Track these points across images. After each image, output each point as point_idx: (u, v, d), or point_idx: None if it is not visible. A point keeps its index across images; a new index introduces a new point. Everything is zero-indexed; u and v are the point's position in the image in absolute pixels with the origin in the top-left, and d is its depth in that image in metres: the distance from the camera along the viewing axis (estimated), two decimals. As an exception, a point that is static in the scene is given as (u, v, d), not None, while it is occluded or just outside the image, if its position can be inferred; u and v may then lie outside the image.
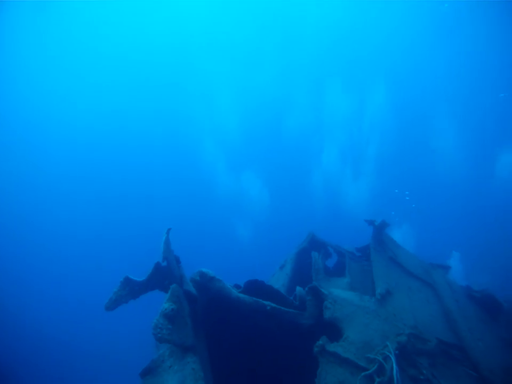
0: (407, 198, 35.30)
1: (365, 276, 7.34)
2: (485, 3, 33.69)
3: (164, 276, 4.42)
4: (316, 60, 44.46)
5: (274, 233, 39.61)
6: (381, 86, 35.48)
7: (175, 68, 48.83)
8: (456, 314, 5.53)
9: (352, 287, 6.09)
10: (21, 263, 41.14)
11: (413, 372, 4.06)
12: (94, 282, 37.53)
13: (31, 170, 47.58)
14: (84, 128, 50.18)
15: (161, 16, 46.53)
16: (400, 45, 42.76)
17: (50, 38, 44.75)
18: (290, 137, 42.66)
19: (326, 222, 38.06)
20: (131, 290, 4.32)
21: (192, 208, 47.42)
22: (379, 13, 40.97)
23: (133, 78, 49.52)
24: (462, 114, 36.39)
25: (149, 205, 48.58)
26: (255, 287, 5.16)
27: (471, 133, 35.49)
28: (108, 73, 49.37)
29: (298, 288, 5.26)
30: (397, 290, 5.64)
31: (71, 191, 48.40)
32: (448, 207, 38.99)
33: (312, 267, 6.82)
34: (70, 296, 38.96)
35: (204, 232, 44.48)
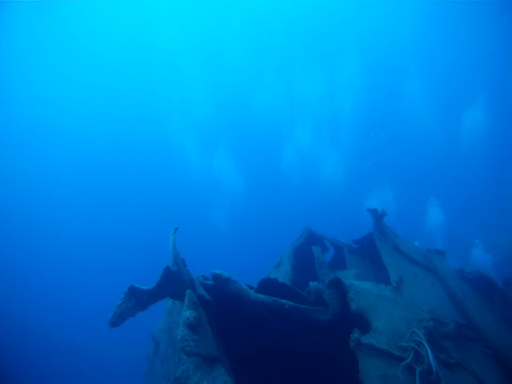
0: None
1: (365, 266, 7.33)
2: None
3: (174, 281, 3.96)
4: (284, 38, 43.62)
5: (251, 217, 39.06)
6: (351, 59, 35.69)
7: (146, 52, 46.20)
8: (462, 296, 5.64)
9: (358, 279, 6.00)
10: (20, 264, 39.68)
11: (443, 357, 3.98)
12: (92, 283, 37.52)
13: (31, 171, 45.78)
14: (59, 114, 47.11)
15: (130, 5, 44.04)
16: (367, 17, 40.90)
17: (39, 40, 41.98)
18: (261, 117, 42.06)
19: (303, 202, 38.63)
20: (138, 301, 3.81)
21: (163, 192, 45.81)
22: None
23: (101, 58, 46.59)
24: (429, 78, 36.88)
25: (117, 192, 46.59)
26: (268, 286, 4.86)
27: (439, 95, 36.31)
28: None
29: (311, 283, 5.03)
30: (406, 278, 5.62)
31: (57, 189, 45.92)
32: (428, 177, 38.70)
33: (315, 262, 6.66)
34: (69, 296, 37.44)
35: (177, 219, 43.05)
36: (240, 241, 38.08)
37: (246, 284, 4.80)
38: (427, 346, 3.76)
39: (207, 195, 38.07)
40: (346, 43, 38.17)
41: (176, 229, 4.17)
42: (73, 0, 39.85)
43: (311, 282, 5.07)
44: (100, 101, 47.91)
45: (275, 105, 40.69)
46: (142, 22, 43.76)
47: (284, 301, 4.51)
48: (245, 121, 46.03)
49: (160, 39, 44.09)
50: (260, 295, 4.33)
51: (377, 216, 6.68)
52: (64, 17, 41.09)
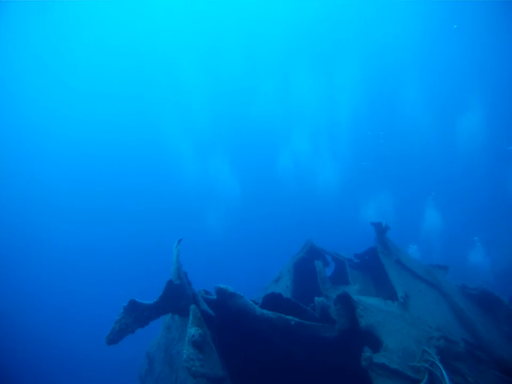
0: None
1: (367, 282, 7.19)
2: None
3: (177, 295, 3.77)
4: (282, 43, 42.87)
5: (247, 225, 38.29)
6: (349, 65, 35.55)
7: (143, 55, 45.40)
8: (469, 313, 5.52)
9: (361, 294, 5.85)
10: (20, 268, 39.33)
11: (458, 380, 3.82)
12: (84, 287, 37.07)
13: (31, 175, 44.98)
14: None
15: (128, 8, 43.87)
16: (365, 23, 40.56)
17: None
18: (258, 122, 41.71)
19: (300, 209, 38.10)
20: (138, 316, 3.61)
21: (156, 197, 44.94)
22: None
23: (95, 58, 45.71)
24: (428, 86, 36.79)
25: (109, 196, 45.70)
26: (273, 302, 4.67)
27: (436, 98, 36.40)
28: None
29: (317, 299, 4.86)
30: (411, 293, 5.50)
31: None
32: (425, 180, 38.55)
33: (317, 276, 6.49)
34: (67, 299, 36.89)
35: (171, 225, 41.78)
36: (236, 249, 37.35)
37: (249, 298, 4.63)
38: (442, 368, 3.61)
39: (202, 201, 37.53)
40: (344, 49, 38.18)
41: (180, 241, 4.01)
42: (69, 1, 39.79)
43: (316, 298, 4.90)
44: (94, 101, 47.10)
45: (272, 110, 40.45)
46: (139, 24, 43.29)
47: (289, 317, 4.34)
48: (242, 126, 45.54)
49: (158, 42, 43.65)
50: (265, 311, 4.16)
51: (381, 230, 6.60)
52: (61, 17, 40.83)
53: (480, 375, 4.36)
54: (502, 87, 35.17)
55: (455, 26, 34.98)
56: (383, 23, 39.25)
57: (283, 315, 4.28)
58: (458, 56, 38.26)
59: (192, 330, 3.14)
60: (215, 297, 4.56)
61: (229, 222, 36.39)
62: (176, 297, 3.74)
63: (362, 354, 3.58)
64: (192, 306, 3.55)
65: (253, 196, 40.32)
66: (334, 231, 32.18)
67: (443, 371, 3.56)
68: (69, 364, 28.72)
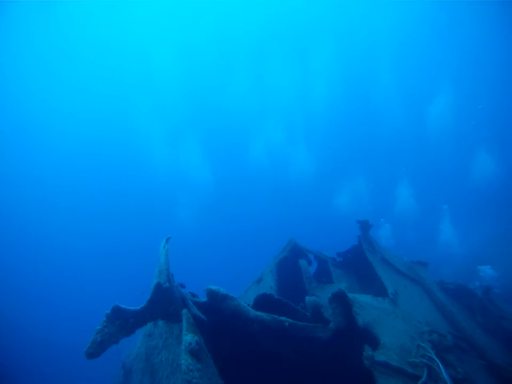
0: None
1: (351, 280, 7.21)
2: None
3: (166, 300, 3.43)
4: (256, 28, 42.29)
5: (220, 214, 37.13)
6: (324, 51, 35.39)
7: (113, 35, 43.01)
8: (451, 307, 5.67)
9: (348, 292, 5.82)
10: (20, 267, 36.95)
11: (450, 372, 3.85)
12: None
13: (30, 173, 42.40)
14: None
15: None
16: (340, 8, 40.38)
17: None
18: (231, 109, 40.69)
19: (273, 197, 37.49)
20: (123, 324, 3.23)
21: (124, 183, 42.74)
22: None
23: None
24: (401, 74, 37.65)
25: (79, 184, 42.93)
26: (265, 303, 4.46)
27: (408, 85, 37.19)
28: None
29: (308, 298, 4.72)
30: (398, 290, 5.55)
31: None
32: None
33: (303, 276, 6.38)
34: (66, 298, 34.73)
35: (139, 214, 40.12)
36: (208, 240, 36.17)
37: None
38: (439, 362, 3.60)
39: (172, 189, 36.07)
40: (318, 37, 38.00)
41: (168, 239, 3.67)
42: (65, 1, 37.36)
43: (307, 297, 4.76)
44: (61, 82, 44.25)
45: (246, 98, 39.68)
46: (112, 9, 41.13)
47: (283, 318, 4.15)
48: (215, 114, 44.18)
49: (131, 24, 41.83)
50: (259, 313, 3.94)
51: (366, 228, 6.63)
52: (58, 17, 38.53)
53: (466, 365, 4.47)
54: (470, 74, 36.80)
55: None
56: (356, 10, 39.38)
57: (276, 316, 4.09)
58: (430, 42, 39.19)
59: (189, 338, 2.84)
60: (202, 299, 4.27)
61: (201, 211, 35.16)
62: (165, 302, 3.40)
63: (364, 353, 3.47)
64: (184, 311, 3.25)
65: (225, 184, 39.30)
66: (308, 220, 32.38)
67: (440, 365, 3.56)
68: (69, 363, 27.08)
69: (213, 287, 3.88)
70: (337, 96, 37.58)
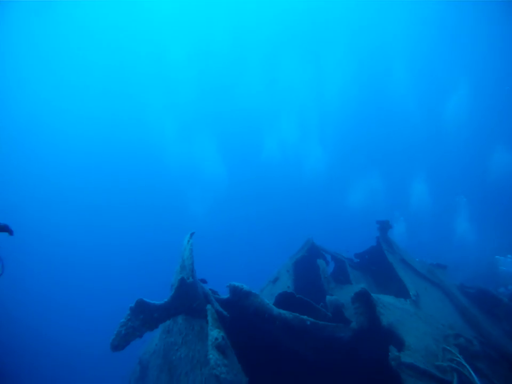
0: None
1: (368, 281, 7.08)
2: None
3: (190, 295, 3.42)
4: (271, 27, 42.00)
5: (234, 211, 37.11)
6: (338, 49, 35.22)
7: (129, 32, 43.12)
8: (474, 311, 5.50)
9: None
10: (20, 266, 35.26)
11: (485, 382, 3.69)
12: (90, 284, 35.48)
13: (30, 172, 42.92)
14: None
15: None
16: (355, 7, 39.60)
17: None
18: (245, 107, 40.81)
19: (287, 194, 37.43)
20: (147, 318, 3.22)
21: (141, 180, 42.88)
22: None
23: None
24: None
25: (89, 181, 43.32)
26: (286, 301, 4.42)
27: (424, 82, 36.47)
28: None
29: (329, 298, 4.66)
30: (420, 292, 5.42)
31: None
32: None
33: (321, 276, 6.29)
34: (68, 297, 34.95)
35: (151, 210, 40.14)
36: (220, 237, 36.12)
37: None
38: (469, 368, 3.47)
39: (186, 184, 36.22)
40: (333, 34, 37.88)
41: (192, 234, 3.66)
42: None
43: (328, 297, 4.69)
44: (73, 79, 44.96)
45: (260, 94, 39.71)
46: (127, 5, 41.46)
47: (304, 317, 4.09)
48: (229, 110, 44.44)
49: (149, 25, 42.18)
50: (282, 311, 3.89)
51: (386, 228, 6.51)
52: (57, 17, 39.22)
53: (500, 376, 4.24)
54: (486, 70, 35.78)
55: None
56: (370, 6, 38.87)
57: (298, 315, 4.04)
58: (445, 39, 38.36)
59: (215, 333, 2.82)
60: (223, 296, 4.24)
61: (213, 207, 35.22)
62: (189, 297, 3.39)
63: (390, 354, 3.38)
64: (209, 306, 3.23)
65: (239, 181, 39.34)
66: (321, 217, 32.13)
67: (471, 371, 3.43)
68: (71, 361, 27.48)
69: (236, 284, 3.86)
70: (350, 94, 37.41)
